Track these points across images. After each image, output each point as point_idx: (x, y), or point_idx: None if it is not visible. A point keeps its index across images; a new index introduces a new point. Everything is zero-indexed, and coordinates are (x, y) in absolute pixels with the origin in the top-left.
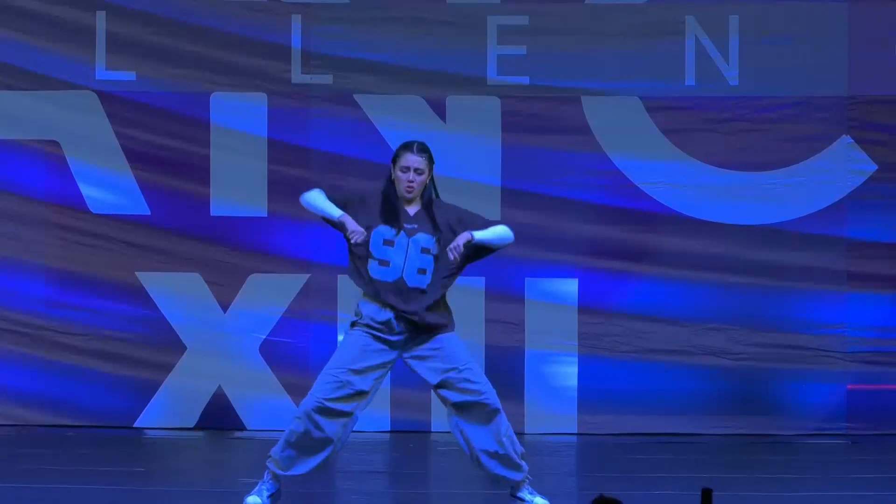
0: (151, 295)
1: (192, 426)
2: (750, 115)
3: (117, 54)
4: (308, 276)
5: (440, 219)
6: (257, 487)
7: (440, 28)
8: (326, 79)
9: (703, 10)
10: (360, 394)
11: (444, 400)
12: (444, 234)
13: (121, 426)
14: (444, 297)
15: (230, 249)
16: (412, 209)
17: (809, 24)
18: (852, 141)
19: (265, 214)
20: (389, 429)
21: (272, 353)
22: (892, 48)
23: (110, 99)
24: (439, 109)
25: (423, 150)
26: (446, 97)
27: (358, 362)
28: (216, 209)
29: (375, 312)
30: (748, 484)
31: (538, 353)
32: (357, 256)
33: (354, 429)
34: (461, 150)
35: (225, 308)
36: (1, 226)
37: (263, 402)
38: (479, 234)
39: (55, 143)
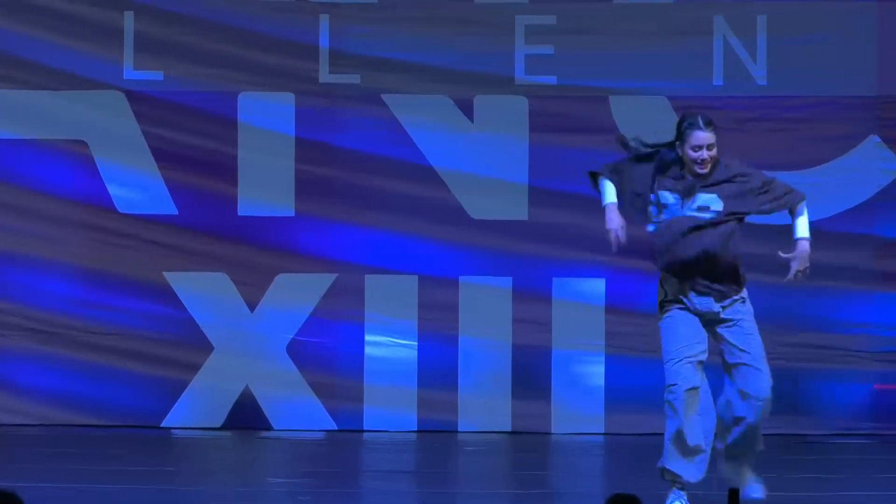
0: (179, 295)
1: (219, 426)
2: (778, 115)
3: (145, 54)
4: (335, 275)
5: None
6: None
7: (467, 28)
8: (354, 78)
9: (732, 9)
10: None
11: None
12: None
13: (148, 426)
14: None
15: (257, 249)
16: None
17: (838, 24)
18: (880, 140)
19: (292, 214)
20: (416, 428)
21: (299, 352)
22: None
23: (138, 99)
24: (467, 109)
25: (710, 123)
26: (474, 97)
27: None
28: (243, 209)
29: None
30: (777, 483)
31: (565, 353)
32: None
33: (381, 429)
34: (489, 150)
35: (252, 308)
36: (29, 225)
37: (291, 402)
38: (804, 231)
39: (83, 143)
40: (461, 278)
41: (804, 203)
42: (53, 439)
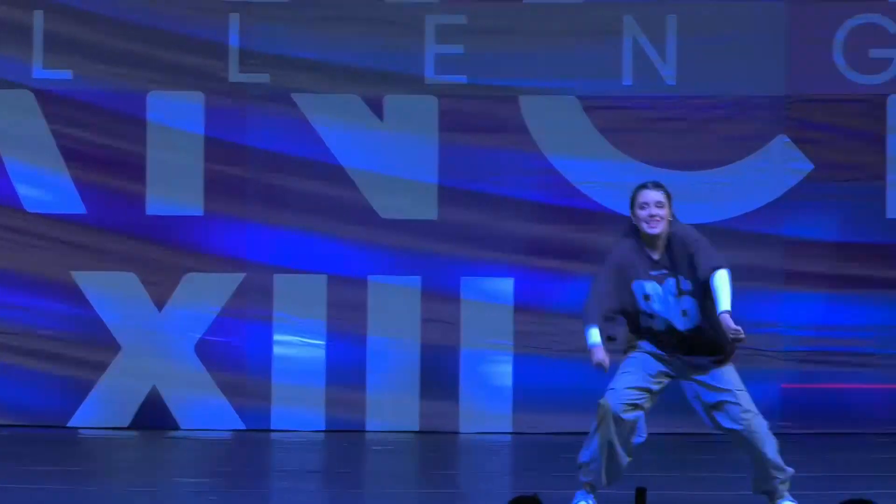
0: (87, 294)
1: (126, 425)
2: (687, 115)
3: (54, 53)
4: (244, 275)
5: (678, 255)
6: None
7: (378, 27)
8: (264, 77)
9: (641, 9)
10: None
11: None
12: (680, 270)
13: (55, 425)
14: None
15: (166, 248)
16: (655, 254)
17: (747, 24)
18: (789, 140)
19: (201, 213)
20: (324, 428)
21: (207, 352)
22: (830, 48)
23: (47, 98)
24: (377, 108)
25: (659, 185)
26: (384, 96)
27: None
28: (152, 208)
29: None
30: (682, 483)
31: (474, 353)
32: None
33: (289, 428)
34: (398, 149)
35: (160, 307)
36: None
37: (198, 401)
38: (726, 304)
39: None
40: (370, 278)
41: (727, 273)
42: None
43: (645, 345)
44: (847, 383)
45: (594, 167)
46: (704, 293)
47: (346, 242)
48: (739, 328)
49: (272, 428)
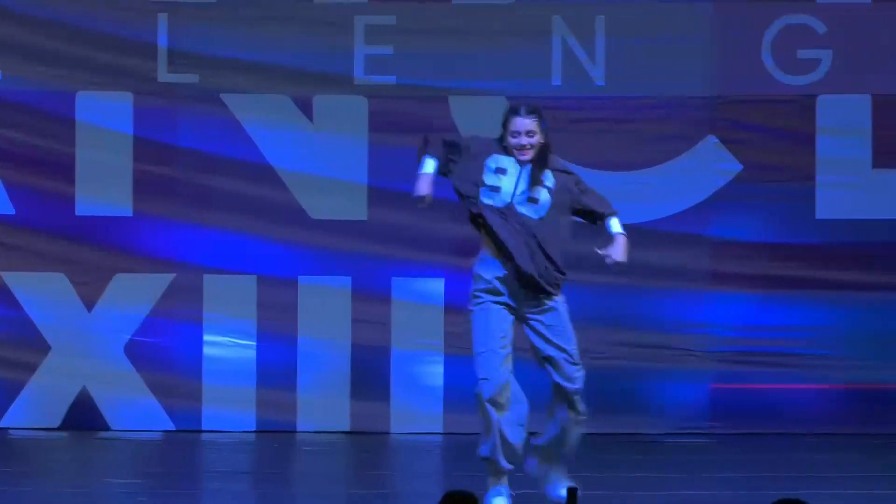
0: (16, 294)
1: (56, 426)
2: (616, 115)
3: None
4: (173, 275)
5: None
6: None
7: (307, 27)
8: (193, 78)
9: (570, 10)
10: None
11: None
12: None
13: None
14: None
15: (95, 249)
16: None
17: (675, 25)
18: (718, 141)
19: (130, 214)
20: (255, 428)
21: (137, 353)
22: (758, 48)
23: None
24: (306, 109)
25: (534, 111)
26: (313, 96)
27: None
28: (81, 208)
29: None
30: (613, 482)
31: (404, 353)
32: (473, 184)
33: (220, 429)
34: (328, 150)
35: (90, 308)
36: None
37: (128, 402)
38: (620, 228)
39: None
40: (300, 278)
41: (617, 216)
42: None
43: (484, 272)
44: (776, 384)
45: None
46: (560, 210)
47: (276, 243)
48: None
49: (203, 428)
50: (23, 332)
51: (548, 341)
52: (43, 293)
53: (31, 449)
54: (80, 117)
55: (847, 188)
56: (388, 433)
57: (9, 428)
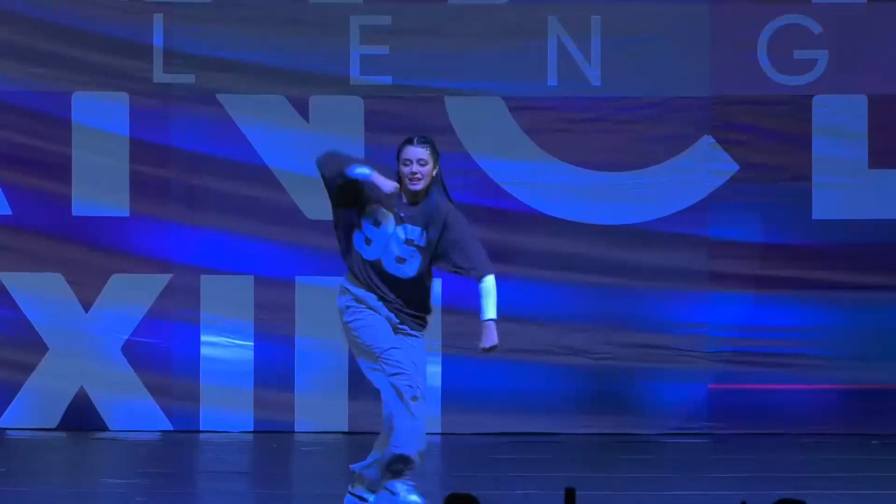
0: (13, 295)
1: (54, 427)
2: (612, 116)
3: None
4: (170, 276)
5: (430, 219)
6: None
7: (303, 28)
8: (188, 78)
9: (565, 10)
10: None
11: None
12: (430, 234)
13: None
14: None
15: (92, 249)
16: (407, 202)
17: (671, 25)
18: (714, 141)
19: (127, 214)
20: (253, 429)
21: (134, 353)
22: (754, 49)
23: None
24: (302, 109)
25: (427, 142)
26: (309, 97)
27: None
28: (78, 209)
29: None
30: (612, 483)
31: None
32: (349, 225)
33: (218, 429)
34: (324, 150)
35: (87, 308)
36: None
37: (126, 402)
38: (492, 312)
39: None
40: (297, 278)
41: (493, 279)
42: None
43: (359, 290)
44: (774, 384)
45: (520, 168)
46: (431, 260)
47: (272, 243)
48: (497, 343)
49: (201, 429)
50: (20, 332)
51: None
52: (40, 294)
53: (29, 449)
54: (77, 118)
55: (843, 188)
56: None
57: (6, 428)
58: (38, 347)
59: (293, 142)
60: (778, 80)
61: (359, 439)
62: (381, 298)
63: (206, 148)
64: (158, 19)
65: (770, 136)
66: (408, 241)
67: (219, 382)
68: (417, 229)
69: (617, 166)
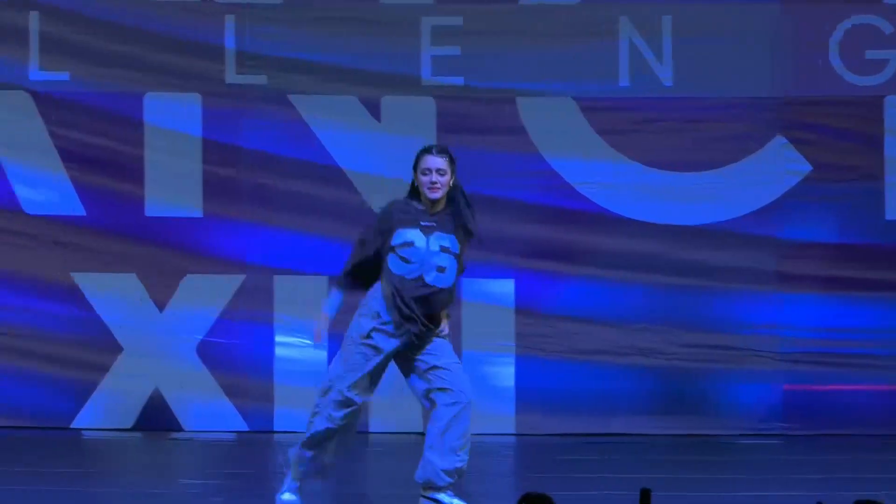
0: (87, 295)
1: (129, 427)
2: (684, 116)
3: (51, 54)
4: (244, 276)
5: (455, 218)
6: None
7: (374, 28)
8: (261, 79)
9: (637, 10)
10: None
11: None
12: (450, 231)
13: (58, 427)
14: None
15: (165, 249)
16: (430, 211)
17: (743, 25)
18: (787, 141)
19: (200, 215)
20: None
21: (209, 353)
22: (826, 49)
23: (44, 99)
24: (374, 110)
25: (444, 151)
26: (381, 97)
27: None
28: (151, 209)
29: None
30: (685, 484)
31: (475, 355)
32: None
33: (292, 429)
34: (396, 151)
35: (161, 308)
36: None
37: (200, 402)
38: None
39: None
40: None
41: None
42: None
43: (374, 323)
44: (846, 385)
45: (592, 168)
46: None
47: (345, 243)
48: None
49: (275, 429)
50: (94, 333)
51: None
52: (114, 294)
53: (104, 450)
54: (149, 119)
55: None
56: None
57: (81, 429)
58: (113, 348)
59: (365, 142)
60: (849, 81)
61: None
62: (407, 318)
63: (278, 148)
64: (230, 20)
65: (842, 136)
66: (443, 249)
67: (293, 383)
68: (451, 237)
69: (688, 166)
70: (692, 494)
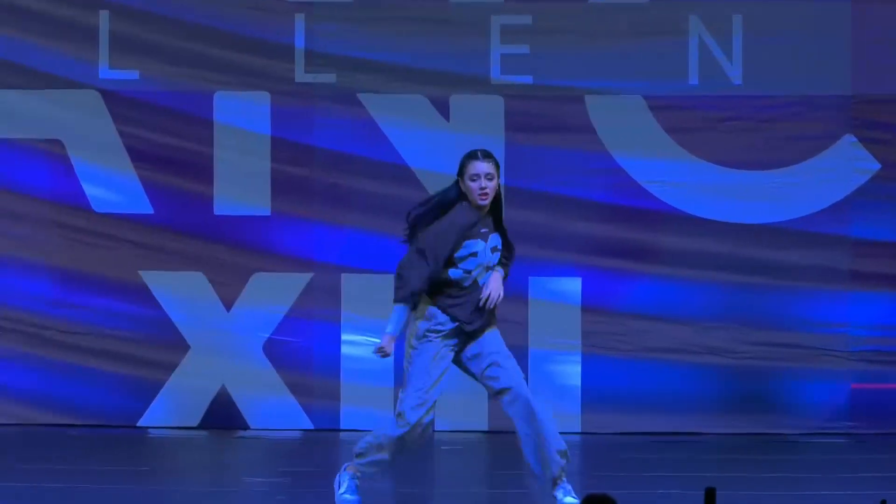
0: (155, 294)
1: (195, 425)
2: (753, 114)
3: (121, 53)
4: (311, 275)
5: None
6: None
7: (443, 27)
8: (330, 78)
9: (707, 8)
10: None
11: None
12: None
13: (124, 425)
14: None
15: (233, 248)
16: (481, 215)
17: (812, 23)
18: (856, 140)
19: (268, 213)
20: None
21: (276, 352)
22: (894, 47)
23: (114, 98)
24: (443, 108)
25: (489, 155)
26: (449, 96)
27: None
28: (219, 208)
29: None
30: (752, 483)
31: (542, 353)
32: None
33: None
34: (465, 149)
35: (228, 307)
36: (4, 225)
37: (267, 401)
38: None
39: (59, 143)
40: None
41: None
42: (28, 438)
43: (435, 326)
44: None
45: (660, 167)
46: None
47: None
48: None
49: (341, 427)
50: (162, 331)
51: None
52: (182, 292)
53: (171, 448)
54: (218, 118)
55: None
56: None
57: (148, 427)
58: (180, 346)
59: (434, 141)
60: None
61: (499, 438)
62: (463, 321)
63: (346, 147)
64: (300, 19)
65: None
66: (494, 250)
67: (359, 381)
68: (495, 235)
69: (758, 165)
70: (758, 493)
